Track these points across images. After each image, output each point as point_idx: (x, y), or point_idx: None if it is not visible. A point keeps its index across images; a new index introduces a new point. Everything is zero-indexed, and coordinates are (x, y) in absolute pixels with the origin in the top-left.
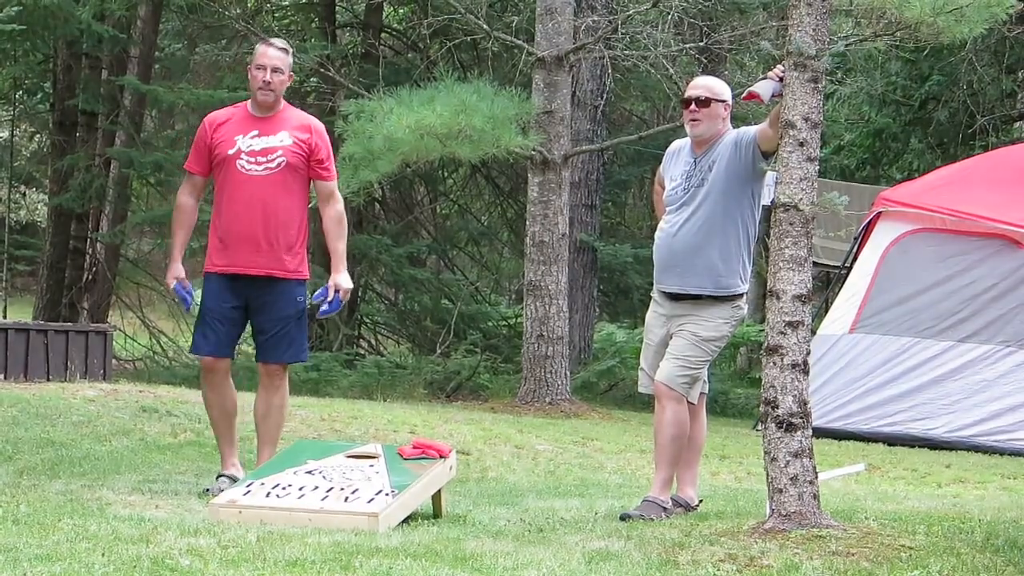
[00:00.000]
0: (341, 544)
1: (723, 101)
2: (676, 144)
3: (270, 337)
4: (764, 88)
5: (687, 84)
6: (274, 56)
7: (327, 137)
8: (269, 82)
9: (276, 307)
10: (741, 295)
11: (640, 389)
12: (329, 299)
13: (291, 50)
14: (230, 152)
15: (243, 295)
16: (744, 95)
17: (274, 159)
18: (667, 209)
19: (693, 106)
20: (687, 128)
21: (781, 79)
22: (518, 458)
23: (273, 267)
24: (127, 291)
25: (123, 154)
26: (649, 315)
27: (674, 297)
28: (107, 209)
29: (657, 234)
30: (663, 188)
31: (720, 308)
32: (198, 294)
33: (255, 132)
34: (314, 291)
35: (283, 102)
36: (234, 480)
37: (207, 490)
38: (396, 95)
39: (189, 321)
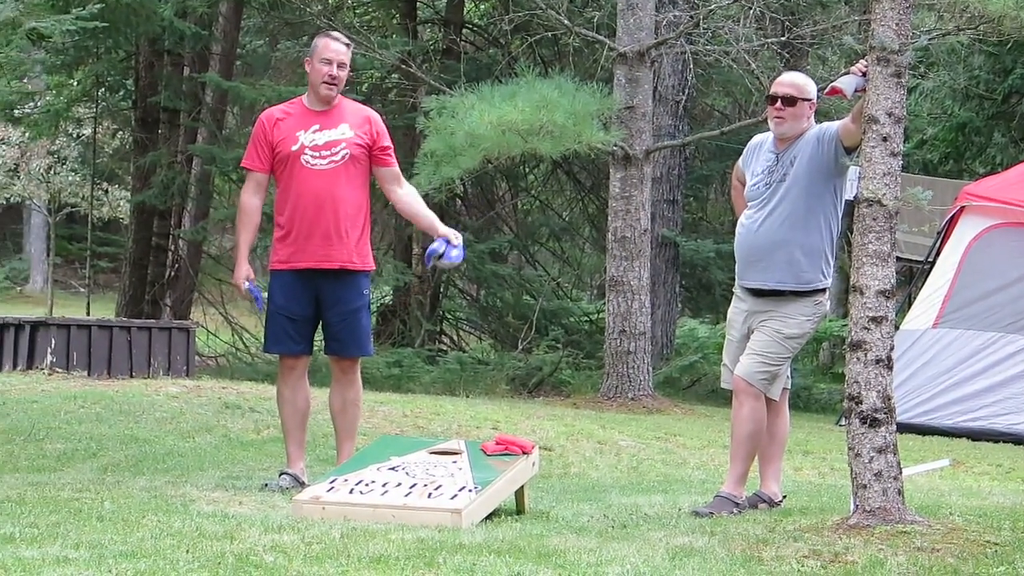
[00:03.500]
0: (425, 540)
1: (809, 100)
2: (757, 139)
3: (342, 331)
4: (847, 83)
5: (769, 79)
6: (340, 51)
7: (384, 125)
8: (335, 77)
9: (346, 300)
10: (823, 290)
11: (723, 385)
12: (455, 245)
13: (352, 44)
14: (293, 148)
15: (313, 289)
16: (827, 90)
17: (338, 152)
18: (749, 204)
19: (779, 104)
20: (771, 125)
21: (864, 74)
22: (601, 454)
23: (345, 260)
24: (209, 288)
25: (205, 151)
26: (731, 311)
27: (757, 293)
28: (189, 206)
29: (738, 229)
30: (742, 183)
31: (803, 304)
32: (265, 293)
33: (316, 127)
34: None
35: (338, 95)
36: (297, 480)
37: (265, 485)
38: (477, 91)
39: None
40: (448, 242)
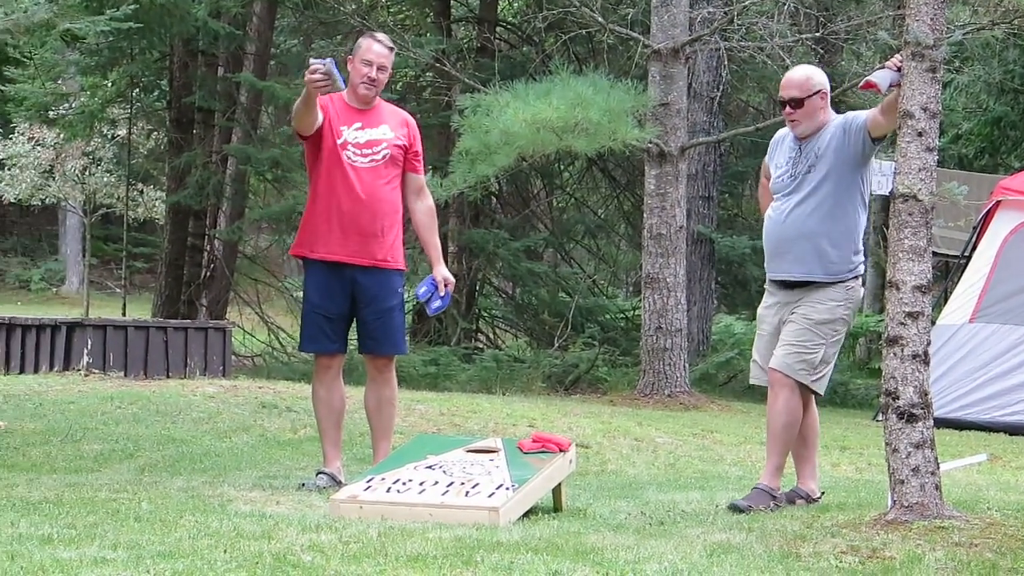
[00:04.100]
0: (462, 539)
1: (817, 92)
2: (780, 133)
3: (376, 329)
4: (882, 78)
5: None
6: (382, 54)
7: (419, 131)
8: (374, 80)
9: (381, 298)
10: (856, 277)
11: (752, 381)
12: (442, 294)
13: (395, 49)
14: (338, 142)
15: (348, 287)
16: (861, 84)
17: (379, 151)
18: (774, 197)
19: (788, 108)
20: (788, 127)
21: (899, 69)
22: (638, 451)
23: (378, 257)
24: (245, 287)
25: (240, 151)
26: (762, 307)
27: (786, 285)
28: (224, 206)
29: (766, 222)
30: (768, 179)
31: (833, 290)
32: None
33: (359, 124)
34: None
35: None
36: (334, 479)
37: (302, 484)
38: (512, 89)
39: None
40: (435, 287)
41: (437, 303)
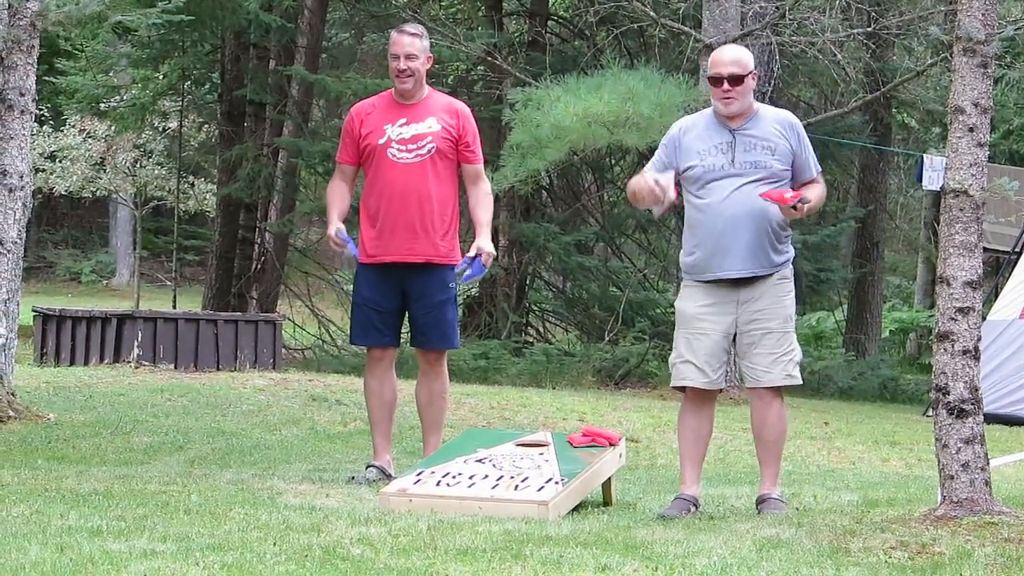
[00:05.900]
0: (511, 532)
1: (751, 72)
2: (683, 123)
3: (427, 323)
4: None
5: (856, 70)
6: (406, 43)
7: (473, 120)
8: (404, 70)
9: (431, 293)
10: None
11: (683, 383)
12: (470, 259)
13: (424, 33)
14: (380, 142)
15: (399, 282)
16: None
17: (424, 146)
18: (708, 184)
19: (726, 85)
20: (719, 106)
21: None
22: None
23: (430, 253)
24: (296, 280)
25: (291, 144)
26: (693, 304)
27: (738, 282)
28: (275, 199)
29: (698, 212)
30: (659, 172)
31: (783, 283)
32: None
33: (403, 120)
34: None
35: (427, 88)
36: (383, 472)
37: (352, 477)
38: (563, 83)
39: None
40: (470, 262)
41: (468, 271)
